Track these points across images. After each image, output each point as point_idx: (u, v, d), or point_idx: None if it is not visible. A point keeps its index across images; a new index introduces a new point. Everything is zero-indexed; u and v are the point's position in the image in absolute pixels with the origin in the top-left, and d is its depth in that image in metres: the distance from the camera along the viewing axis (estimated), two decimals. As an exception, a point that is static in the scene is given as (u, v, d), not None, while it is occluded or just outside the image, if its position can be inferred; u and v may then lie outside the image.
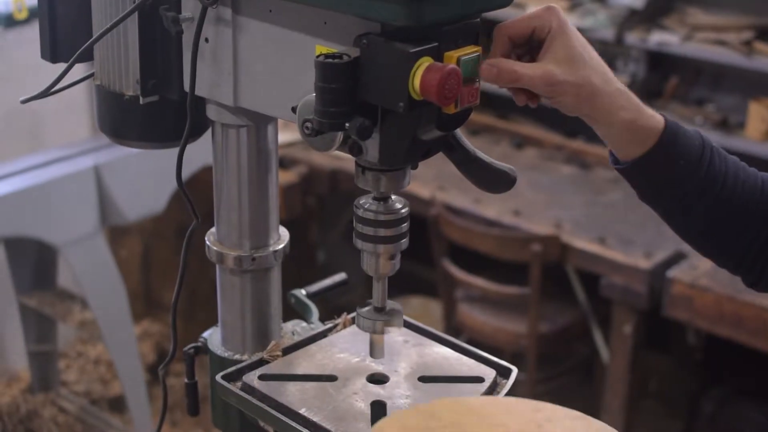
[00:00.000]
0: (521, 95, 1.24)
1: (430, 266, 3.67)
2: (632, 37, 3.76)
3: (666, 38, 3.70)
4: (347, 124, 1.09)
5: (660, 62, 3.87)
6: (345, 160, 3.76)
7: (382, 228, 1.24)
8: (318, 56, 1.08)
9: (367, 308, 1.31)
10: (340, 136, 1.12)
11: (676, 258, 3.16)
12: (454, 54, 1.08)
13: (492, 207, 3.46)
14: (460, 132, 1.23)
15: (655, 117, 1.23)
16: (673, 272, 3.08)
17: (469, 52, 1.10)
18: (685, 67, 3.83)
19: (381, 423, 1.19)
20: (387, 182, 1.22)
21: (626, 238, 3.29)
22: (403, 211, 1.24)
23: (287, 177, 3.76)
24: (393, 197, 1.25)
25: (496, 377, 1.31)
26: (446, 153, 1.24)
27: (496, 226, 3.39)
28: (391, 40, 1.06)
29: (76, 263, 3.16)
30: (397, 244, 1.25)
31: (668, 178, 1.24)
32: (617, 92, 1.21)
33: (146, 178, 3.24)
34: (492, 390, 1.30)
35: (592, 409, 3.67)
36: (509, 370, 1.34)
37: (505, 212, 3.43)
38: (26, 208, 3.05)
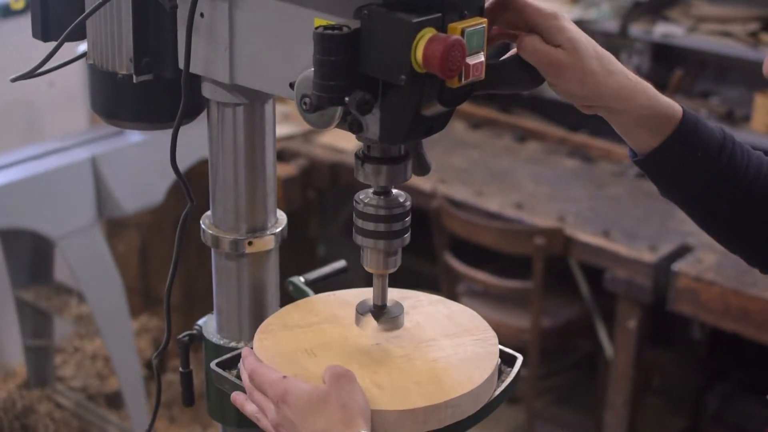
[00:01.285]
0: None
1: (432, 260, 3.63)
2: (636, 29, 3.72)
3: (671, 30, 3.65)
4: (347, 99, 1.05)
5: (665, 54, 3.83)
6: (346, 154, 3.72)
7: (383, 223, 1.20)
8: (317, 28, 1.04)
9: (366, 306, 1.28)
10: (339, 111, 1.09)
11: (681, 251, 3.12)
12: (458, 25, 1.04)
13: (494, 200, 3.41)
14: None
15: (672, 105, 1.20)
16: (678, 266, 3.03)
17: (475, 24, 1.05)
18: (690, 59, 3.79)
19: (265, 323, 1.29)
20: (387, 175, 1.18)
21: (630, 231, 3.24)
22: (404, 205, 1.21)
23: (287, 170, 3.72)
24: (394, 191, 1.22)
25: (500, 365, 1.27)
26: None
27: (498, 219, 3.35)
28: (393, 10, 1.02)
29: (72, 256, 3.12)
30: (399, 240, 1.22)
31: (688, 168, 1.21)
32: (628, 78, 1.18)
33: (144, 169, 3.20)
34: (497, 377, 1.27)
35: (596, 405, 3.63)
36: (514, 358, 1.30)
37: (508, 205, 3.38)
38: (22, 200, 3.01)
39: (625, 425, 3.35)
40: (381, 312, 1.28)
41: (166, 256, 4.08)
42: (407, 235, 1.23)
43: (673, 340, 3.88)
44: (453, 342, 1.26)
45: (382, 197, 1.21)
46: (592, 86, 1.16)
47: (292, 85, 1.12)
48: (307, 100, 1.09)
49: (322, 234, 4.04)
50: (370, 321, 1.27)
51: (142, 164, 3.20)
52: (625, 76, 1.18)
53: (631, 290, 3.12)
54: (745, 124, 3.58)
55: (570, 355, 3.76)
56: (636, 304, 3.15)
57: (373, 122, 1.08)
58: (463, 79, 1.05)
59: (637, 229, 3.25)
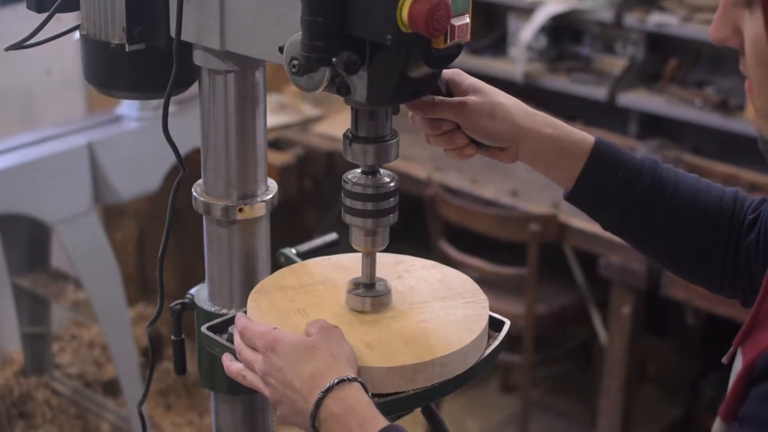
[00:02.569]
0: (459, 146, 1.30)
1: (427, 248, 3.64)
2: (631, 19, 3.72)
3: (665, 19, 3.67)
4: (334, 60, 1.06)
5: (659, 44, 3.85)
6: (341, 142, 3.73)
7: (371, 202, 1.22)
8: (305, -11, 1.06)
9: (355, 285, 1.29)
10: (327, 73, 1.10)
11: (675, 237, 3.13)
12: (444, -14, 1.05)
13: (489, 187, 3.43)
14: None
15: (584, 133, 1.28)
16: (671, 251, 3.04)
17: (460, -15, 1.07)
18: (684, 48, 3.80)
19: (259, 285, 1.31)
20: (374, 154, 1.20)
21: (624, 218, 3.25)
22: (391, 184, 1.23)
23: (283, 158, 3.74)
24: (381, 171, 1.24)
25: (486, 329, 1.29)
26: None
27: (493, 206, 3.36)
28: (379, -29, 1.04)
29: (69, 241, 3.13)
30: (386, 218, 1.24)
31: (611, 189, 1.27)
32: (533, 112, 1.28)
33: (141, 156, 3.21)
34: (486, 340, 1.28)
35: (591, 393, 3.65)
36: (502, 323, 1.32)
37: (503, 192, 3.40)
38: (19, 185, 3.02)
39: (620, 412, 3.37)
40: (369, 290, 1.29)
41: (163, 245, 4.09)
42: (395, 214, 1.25)
43: (668, 329, 3.89)
44: (444, 304, 1.28)
45: (369, 176, 1.23)
46: (502, 117, 1.25)
47: (281, 50, 1.14)
48: (295, 62, 1.10)
49: (318, 222, 4.06)
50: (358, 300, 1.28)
51: (138, 151, 3.22)
52: (531, 109, 1.29)
53: (626, 276, 3.13)
54: (739, 113, 3.59)
55: (565, 342, 3.77)
56: (630, 290, 3.17)
57: (360, 84, 1.10)
58: (448, 40, 1.06)
59: (631, 216, 3.26)
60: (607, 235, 3.25)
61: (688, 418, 3.76)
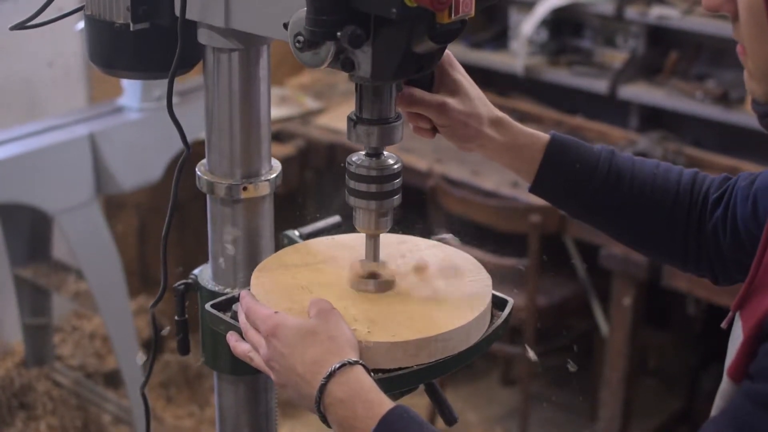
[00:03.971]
0: (421, 127, 1.35)
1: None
2: (632, 12, 3.73)
3: (666, 12, 3.67)
4: (339, 34, 1.07)
5: (660, 37, 3.85)
6: (342, 135, 3.73)
7: (374, 184, 1.23)
8: (309, -36, 1.06)
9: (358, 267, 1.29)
10: (332, 49, 1.10)
11: (676, 228, 3.13)
12: (448, -40, 1.06)
13: (490, 178, 3.43)
14: None
15: (539, 134, 1.35)
16: (672, 242, 3.04)
17: (465, -41, 1.07)
18: (685, 41, 3.80)
19: (262, 263, 1.32)
20: (378, 136, 1.20)
21: (625, 209, 3.25)
22: (395, 166, 1.23)
23: (285, 150, 3.74)
24: (385, 153, 1.25)
25: (489, 306, 1.29)
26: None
27: (494, 198, 3.36)
28: (384, -56, 1.04)
29: (70, 231, 3.13)
30: (390, 200, 1.24)
31: (572, 178, 1.34)
32: (498, 118, 1.34)
33: (142, 147, 3.21)
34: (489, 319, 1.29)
35: (592, 385, 3.65)
36: (506, 302, 1.32)
37: (504, 183, 3.40)
38: (21, 175, 3.02)
39: (621, 404, 3.37)
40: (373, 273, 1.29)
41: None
42: (399, 196, 1.26)
43: (669, 320, 3.89)
44: (447, 282, 1.28)
45: (373, 158, 1.23)
46: (474, 126, 1.31)
47: (286, 27, 1.14)
48: (300, 38, 1.11)
49: (320, 215, 4.06)
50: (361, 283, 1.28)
51: (140, 142, 3.22)
52: (497, 114, 1.34)
53: (627, 266, 3.13)
54: (739, 106, 3.59)
55: (566, 334, 3.77)
56: (631, 281, 3.17)
57: (364, 60, 1.11)
58: (453, 14, 1.07)
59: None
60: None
61: (689, 409, 3.76)
